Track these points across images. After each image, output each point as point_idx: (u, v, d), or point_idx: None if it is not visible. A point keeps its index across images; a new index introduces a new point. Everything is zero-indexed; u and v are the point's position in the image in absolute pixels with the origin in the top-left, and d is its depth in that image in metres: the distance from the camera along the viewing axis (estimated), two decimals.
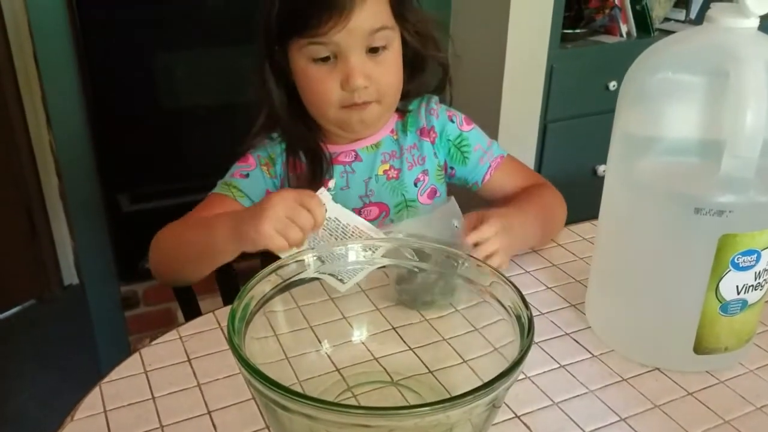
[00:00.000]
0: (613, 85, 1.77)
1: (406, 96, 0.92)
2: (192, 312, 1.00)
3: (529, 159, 1.73)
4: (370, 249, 0.65)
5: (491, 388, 0.44)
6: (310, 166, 0.88)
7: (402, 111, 0.94)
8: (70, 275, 2.09)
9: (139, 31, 1.51)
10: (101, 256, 1.61)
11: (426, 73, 0.92)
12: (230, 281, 1.07)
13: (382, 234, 0.72)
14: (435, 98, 0.95)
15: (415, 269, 0.64)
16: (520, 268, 0.81)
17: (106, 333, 1.66)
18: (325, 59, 0.81)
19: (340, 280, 0.74)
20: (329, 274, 0.72)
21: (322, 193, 0.70)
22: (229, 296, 1.04)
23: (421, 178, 0.92)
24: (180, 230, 0.82)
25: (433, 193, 0.93)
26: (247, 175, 0.88)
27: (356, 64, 0.80)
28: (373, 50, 0.82)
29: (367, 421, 0.43)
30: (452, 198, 0.74)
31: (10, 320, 1.94)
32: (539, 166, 1.77)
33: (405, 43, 0.86)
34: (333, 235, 0.71)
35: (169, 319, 1.75)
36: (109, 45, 1.48)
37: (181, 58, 1.58)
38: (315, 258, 0.60)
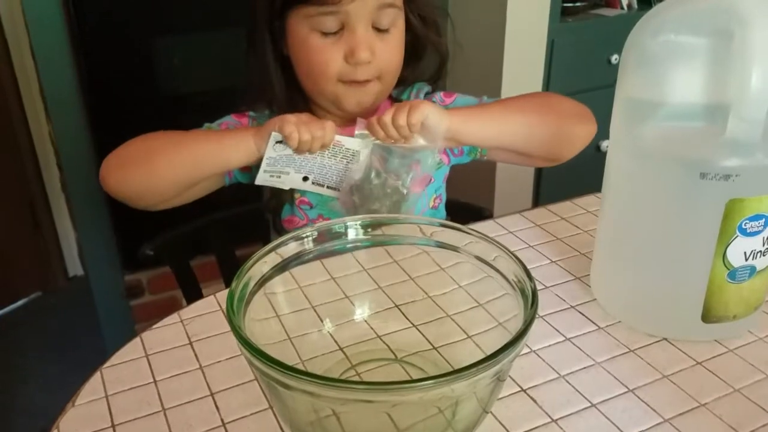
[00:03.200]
0: (615, 59, 1.74)
1: (402, 83, 0.90)
2: (195, 298, 0.99)
3: None
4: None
5: (495, 360, 0.43)
6: None
7: (395, 100, 0.92)
8: (74, 266, 2.09)
9: (135, 19, 1.50)
10: (105, 247, 1.61)
11: (423, 61, 0.91)
12: (233, 267, 1.06)
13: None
14: (426, 87, 0.93)
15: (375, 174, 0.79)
16: (524, 242, 0.79)
17: (111, 322, 1.67)
18: (330, 33, 0.80)
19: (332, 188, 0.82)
20: (317, 184, 0.77)
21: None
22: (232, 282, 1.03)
23: (413, 167, 0.90)
24: (167, 134, 0.85)
25: (425, 181, 0.90)
26: None
27: (363, 36, 0.80)
28: (378, 28, 0.81)
29: (370, 396, 0.42)
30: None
31: (16, 313, 1.94)
32: None
33: (408, 27, 0.86)
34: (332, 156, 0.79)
35: (174, 307, 1.74)
36: (105, 34, 1.47)
37: (180, 45, 1.57)
38: (313, 238, 0.59)
